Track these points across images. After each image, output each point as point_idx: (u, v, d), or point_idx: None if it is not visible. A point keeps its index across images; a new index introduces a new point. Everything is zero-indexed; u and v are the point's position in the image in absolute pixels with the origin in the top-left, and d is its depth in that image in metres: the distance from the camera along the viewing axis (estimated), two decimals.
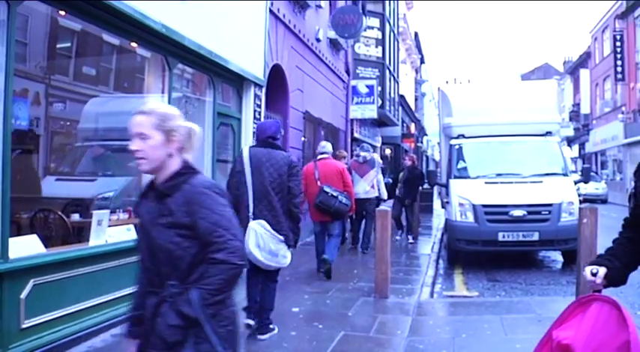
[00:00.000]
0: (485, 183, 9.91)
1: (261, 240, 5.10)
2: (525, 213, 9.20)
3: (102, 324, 5.38)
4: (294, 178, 5.36)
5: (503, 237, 9.22)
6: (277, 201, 5.23)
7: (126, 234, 6.08)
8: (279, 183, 5.25)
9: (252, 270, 5.30)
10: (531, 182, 9.76)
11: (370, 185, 10.51)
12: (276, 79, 11.17)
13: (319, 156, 8.86)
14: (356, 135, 18.95)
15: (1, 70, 4.35)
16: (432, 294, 7.85)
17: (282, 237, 5.20)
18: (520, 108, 11.07)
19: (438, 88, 13.53)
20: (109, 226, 5.85)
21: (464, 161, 10.73)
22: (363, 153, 10.69)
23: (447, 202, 10.63)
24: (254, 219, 5.16)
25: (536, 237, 9.15)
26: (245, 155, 5.34)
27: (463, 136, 11.11)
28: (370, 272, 8.15)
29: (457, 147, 10.94)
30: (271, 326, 5.44)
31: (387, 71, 21.74)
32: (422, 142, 41.60)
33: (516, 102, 11.25)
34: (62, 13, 5.47)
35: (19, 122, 5.85)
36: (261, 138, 5.47)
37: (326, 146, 9.03)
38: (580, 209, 6.56)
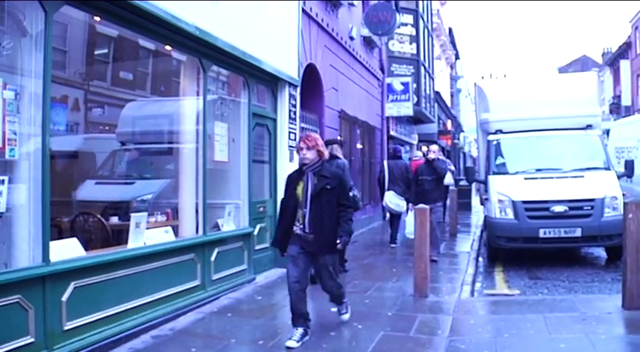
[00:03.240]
0: (525, 178, 9.72)
1: (391, 198, 11.13)
2: (567, 208, 8.98)
3: (142, 326, 5.43)
4: (409, 174, 11.10)
5: (545, 233, 9.02)
6: (402, 185, 11.08)
7: (164, 236, 6.13)
8: (401, 176, 11.18)
9: (391, 215, 11.75)
10: (572, 177, 9.53)
11: None
12: (311, 79, 11.17)
13: (414, 158, 16.19)
14: (392, 133, 18.83)
15: (39, 77, 4.44)
16: (472, 293, 7.72)
17: (402, 197, 11.01)
18: (559, 102, 10.82)
19: (475, 84, 13.29)
20: (147, 228, 5.90)
21: (502, 157, 10.55)
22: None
23: (486, 199, 10.47)
24: (388, 190, 11.16)
25: (578, 233, 8.93)
26: (385, 164, 11.73)
27: (501, 132, 10.93)
28: (409, 271, 8.07)
29: (495, 142, 10.75)
30: (393, 244, 11.51)
31: (422, 68, 21.54)
32: (459, 139, 41.16)
33: (555, 96, 11.00)
34: (97, 19, 5.51)
35: (57, 127, 5.95)
36: (393, 154, 12.10)
37: (417, 152, 15.20)
38: (625, 204, 6.36)
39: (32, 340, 4.22)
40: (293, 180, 5.42)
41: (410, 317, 6.06)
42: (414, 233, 8.50)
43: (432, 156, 10.17)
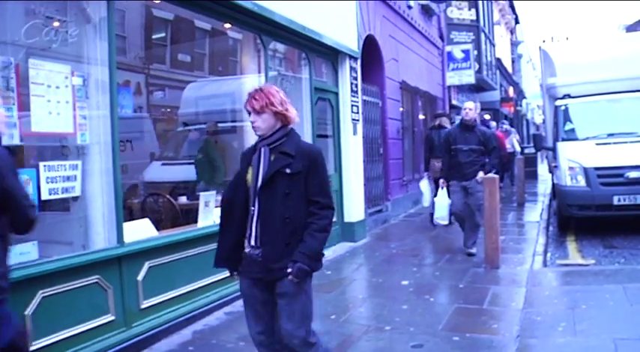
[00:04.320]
0: (596, 144, 9.33)
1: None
2: None
3: (215, 303, 5.52)
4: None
5: (619, 200, 8.66)
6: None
7: None
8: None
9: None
10: None
11: (509, 144, 16.22)
12: (370, 50, 11.00)
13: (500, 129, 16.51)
14: (454, 102, 18.46)
15: (105, 64, 4.51)
16: (544, 263, 7.50)
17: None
18: (631, 62, 10.28)
19: (539, 48, 12.80)
20: (216, 207, 5.95)
21: (571, 122, 10.16)
22: (505, 126, 17.71)
23: (555, 166, 10.12)
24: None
25: None
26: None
27: (569, 96, 10.51)
28: (479, 242, 7.91)
29: (563, 108, 10.36)
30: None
31: (482, 34, 20.92)
32: (521, 106, 40.06)
33: (626, 56, 10.47)
34: (156, 1, 5.54)
35: (125, 110, 6.04)
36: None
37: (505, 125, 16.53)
38: None
39: (112, 318, 4.35)
40: (244, 158, 3.26)
41: (482, 289, 5.95)
42: (446, 218, 8.00)
43: (471, 115, 7.68)
